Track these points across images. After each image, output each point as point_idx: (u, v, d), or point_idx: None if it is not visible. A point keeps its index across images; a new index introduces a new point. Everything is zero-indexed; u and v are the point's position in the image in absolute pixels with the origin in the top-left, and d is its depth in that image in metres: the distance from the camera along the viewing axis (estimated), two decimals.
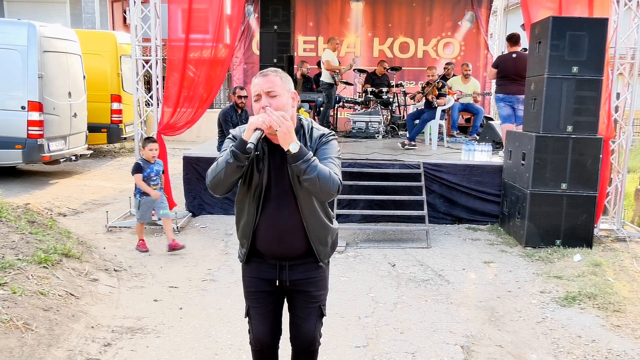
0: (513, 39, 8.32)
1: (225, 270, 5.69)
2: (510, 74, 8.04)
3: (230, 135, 2.73)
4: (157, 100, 7.11)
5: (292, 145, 2.43)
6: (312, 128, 2.68)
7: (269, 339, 2.84)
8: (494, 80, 8.74)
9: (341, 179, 2.57)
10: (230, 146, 2.56)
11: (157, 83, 7.10)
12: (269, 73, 2.55)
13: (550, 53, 6.32)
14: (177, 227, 7.07)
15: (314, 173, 2.45)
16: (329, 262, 2.85)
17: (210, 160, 7.66)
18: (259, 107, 2.51)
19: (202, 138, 14.46)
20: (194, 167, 7.92)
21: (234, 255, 6.15)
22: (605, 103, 6.82)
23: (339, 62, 11.04)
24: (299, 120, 2.68)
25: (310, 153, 2.50)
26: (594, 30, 6.29)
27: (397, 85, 12.00)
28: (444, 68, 11.37)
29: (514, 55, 8.14)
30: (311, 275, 2.75)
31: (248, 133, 2.48)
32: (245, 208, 2.70)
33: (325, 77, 10.68)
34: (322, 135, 2.65)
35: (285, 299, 2.87)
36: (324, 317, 2.89)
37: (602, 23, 6.34)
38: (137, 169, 6.24)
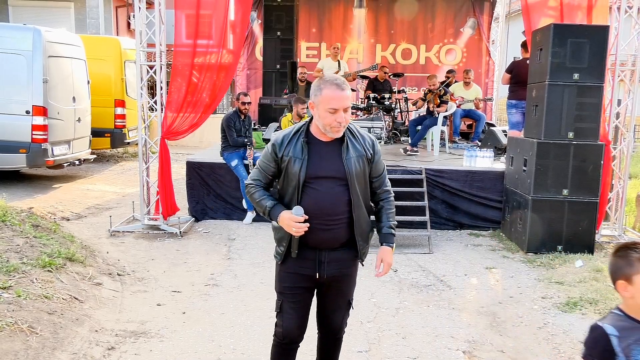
0: (527, 45, 8.30)
1: (228, 275, 5.71)
2: (524, 79, 7.98)
3: (271, 143, 2.89)
4: (161, 105, 7.13)
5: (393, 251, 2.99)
6: (358, 131, 2.93)
7: (298, 333, 3.00)
8: (507, 86, 8.65)
9: (390, 186, 3.02)
10: (269, 210, 2.86)
11: (161, 88, 7.13)
12: (345, 87, 2.73)
13: (552, 60, 6.34)
14: (180, 231, 7.09)
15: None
16: (363, 262, 3.04)
17: (212, 165, 7.83)
18: (333, 119, 2.70)
19: (205, 143, 14.50)
20: (197, 172, 7.95)
21: (236, 260, 6.17)
22: (607, 109, 6.85)
23: (341, 69, 11.08)
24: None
25: (392, 230, 2.98)
26: (595, 38, 6.32)
27: (399, 92, 12.05)
28: (446, 76, 11.43)
29: (528, 62, 8.12)
30: (345, 272, 2.96)
31: (284, 222, 2.78)
32: (287, 198, 2.86)
33: None
34: (373, 142, 2.93)
35: (316, 292, 3.04)
36: (351, 309, 3.11)
37: (603, 30, 6.37)
38: None
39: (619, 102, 7.25)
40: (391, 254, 2.96)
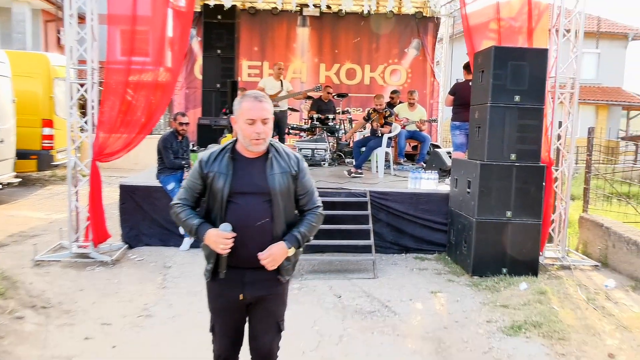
0: (470, 67, 8.52)
1: (163, 305, 5.57)
2: (467, 101, 8.16)
3: (198, 161, 3.00)
4: (93, 125, 6.96)
5: (288, 253, 2.94)
6: (284, 149, 3.05)
7: (232, 352, 3.12)
8: (450, 108, 8.86)
9: (320, 203, 3.13)
10: (196, 229, 2.93)
11: (93, 108, 6.96)
12: (263, 99, 2.88)
13: (493, 82, 6.58)
14: (112, 259, 6.89)
15: (309, 238, 3.05)
16: (289, 280, 3.08)
17: (148, 189, 7.66)
18: (252, 131, 2.83)
19: (141, 165, 14.20)
20: (131, 195, 7.77)
21: (172, 289, 6.03)
22: (547, 131, 7.13)
23: (284, 89, 11.11)
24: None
25: (299, 234, 2.96)
26: (535, 61, 6.60)
27: (343, 112, 12.19)
28: (390, 97, 11.68)
29: (471, 83, 8.32)
30: (272, 292, 3.01)
31: (211, 239, 2.85)
32: (214, 214, 2.95)
33: None
34: (298, 160, 3.04)
35: (247, 313, 3.11)
36: (282, 331, 3.15)
37: (542, 53, 6.67)
38: None
39: (560, 124, 7.57)
40: (283, 250, 2.91)
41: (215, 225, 2.88)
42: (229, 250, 2.81)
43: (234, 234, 2.81)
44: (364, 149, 9.52)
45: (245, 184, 2.89)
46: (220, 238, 2.80)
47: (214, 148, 3.03)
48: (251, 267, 2.90)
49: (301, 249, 3.05)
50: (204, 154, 3.00)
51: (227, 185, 2.86)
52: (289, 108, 11.64)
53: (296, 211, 3.09)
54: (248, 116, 2.83)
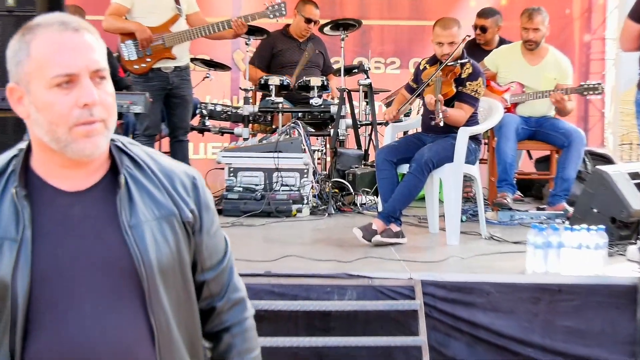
0: None
1: None
2: None
3: None
4: None
5: None
6: (154, 156, 1.49)
7: None
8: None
9: (244, 292, 1.61)
10: None
11: None
12: (81, 28, 1.33)
13: None
14: None
15: None
16: None
17: None
18: (72, 103, 1.28)
19: None
20: None
21: None
22: None
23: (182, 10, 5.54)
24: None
25: None
26: None
27: (351, 71, 6.58)
28: (475, 26, 5.99)
29: None
30: None
31: None
32: None
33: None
34: (194, 182, 1.48)
35: None
36: None
37: None
38: None
39: None
40: None
41: None
42: None
43: None
44: (403, 168, 4.59)
45: (75, 258, 1.37)
46: None
47: None
48: None
49: None
50: None
51: (22, 274, 1.31)
52: (192, 59, 5.90)
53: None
54: (56, 70, 1.28)
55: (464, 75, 4.18)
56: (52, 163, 1.32)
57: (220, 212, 4.68)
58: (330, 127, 5.84)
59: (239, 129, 5.80)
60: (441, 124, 3.96)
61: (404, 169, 4.23)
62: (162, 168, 1.44)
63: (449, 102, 4.14)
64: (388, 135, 4.71)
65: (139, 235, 1.34)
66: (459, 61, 4.15)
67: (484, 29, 5.84)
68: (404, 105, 4.49)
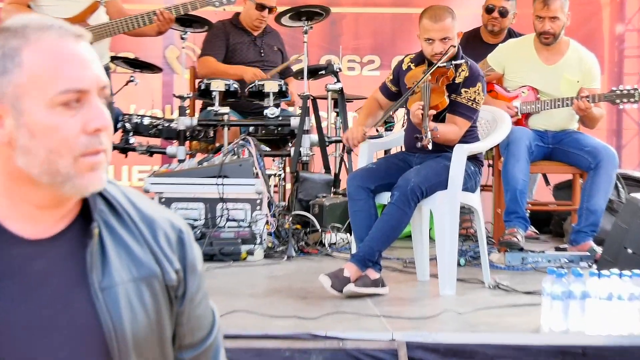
0: None
1: None
2: None
3: None
4: None
5: None
6: (135, 202, 1.44)
7: None
8: None
9: None
10: None
11: None
12: (82, 37, 1.35)
13: None
14: None
15: None
16: None
17: None
18: (80, 126, 1.33)
19: None
20: None
21: None
22: None
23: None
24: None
25: None
26: None
27: (318, 73, 6.46)
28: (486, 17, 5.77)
29: None
30: None
31: None
32: None
33: None
34: (181, 236, 1.45)
35: None
36: None
37: None
38: None
39: None
40: None
41: None
42: None
43: None
44: (383, 197, 4.11)
45: (27, 327, 1.32)
46: None
47: None
48: None
49: None
50: None
51: None
52: (113, 57, 5.47)
53: None
54: (64, 84, 1.23)
55: (458, 80, 3.71)
56: (24, 202, 1.28)
57: None
58: (290, 144, 5.41)
59: (173, 148, 5.27)
60: (429, 146, 3.51)
61: (384, 198, 3.82)
62: (144, 216, 1.42)
63: (440, 114, 3.71)
64: (364, 155, 4.21)
65: (111, 299, 1.33)
66: (452, 62, 3.67)
67: (503, 13, 5.26)
68: (379, 119, 4.13)
